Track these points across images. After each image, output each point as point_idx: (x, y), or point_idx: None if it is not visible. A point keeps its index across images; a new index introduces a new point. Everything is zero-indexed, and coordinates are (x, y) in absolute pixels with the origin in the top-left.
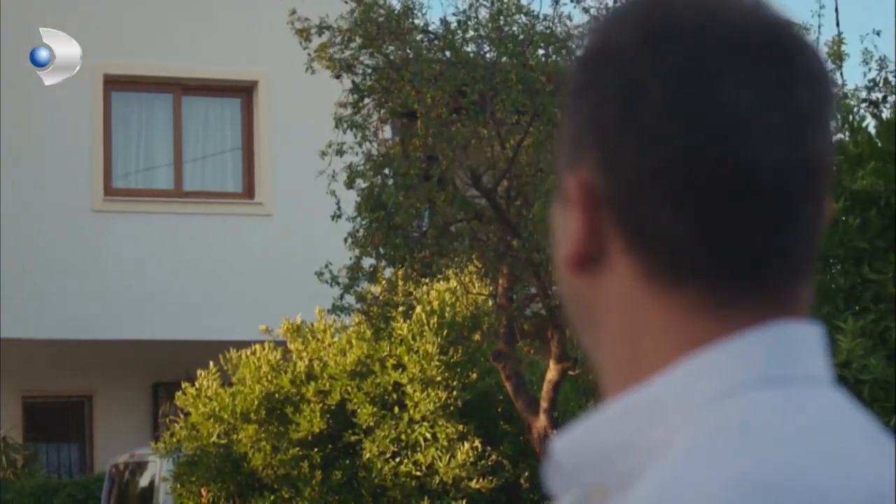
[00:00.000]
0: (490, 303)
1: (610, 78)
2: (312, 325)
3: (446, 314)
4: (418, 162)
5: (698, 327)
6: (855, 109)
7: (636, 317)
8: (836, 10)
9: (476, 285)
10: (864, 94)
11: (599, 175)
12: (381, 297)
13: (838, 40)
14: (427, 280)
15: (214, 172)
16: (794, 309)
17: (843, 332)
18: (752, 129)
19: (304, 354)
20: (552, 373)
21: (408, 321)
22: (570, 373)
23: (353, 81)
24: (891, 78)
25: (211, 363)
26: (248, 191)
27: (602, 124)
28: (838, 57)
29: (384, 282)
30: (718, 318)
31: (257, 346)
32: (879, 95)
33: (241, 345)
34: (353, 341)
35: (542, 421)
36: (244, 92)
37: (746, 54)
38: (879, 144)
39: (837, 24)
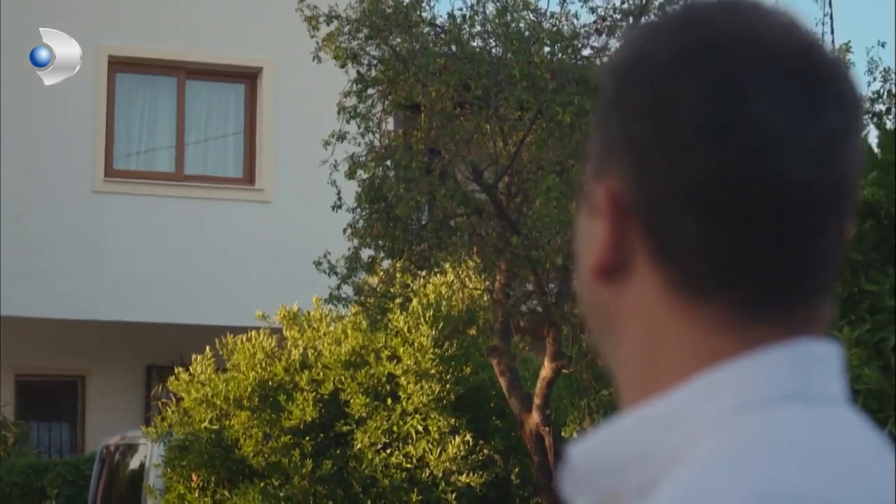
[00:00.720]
0: (487, 298)
1: (643, 90)
2: (309, 313)
3: (443, 308)
4: (420, 155)
5: (720, 342)
6: None
7: (658, 328)
8: (831, 17)
9: (473, 280)
10: (867, 106)
11: (628, 185)
12: (378, 289)
13: (845, 48)
14: (424, 273)
15: (216, 157)
16: (815, 326)
17: (839, 342)
18: (782, 147)
19: (300, 342)
20: (546, 370)
21: (404, 313)
22: (565, 371)
23: (358, 72)
24: (894, 89)
25: (207, 348)
26: (249, 177)
27: (634, 135)
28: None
29: (382, 273)
30: (741, 334)
31: (253, 333)
32: (883, 107)
33: (236, 330)
34: (349, 331)
35: (534, 418)
36: (249, 78)
37: (779, 73)
38: (880, 155)
39: (832, 33)
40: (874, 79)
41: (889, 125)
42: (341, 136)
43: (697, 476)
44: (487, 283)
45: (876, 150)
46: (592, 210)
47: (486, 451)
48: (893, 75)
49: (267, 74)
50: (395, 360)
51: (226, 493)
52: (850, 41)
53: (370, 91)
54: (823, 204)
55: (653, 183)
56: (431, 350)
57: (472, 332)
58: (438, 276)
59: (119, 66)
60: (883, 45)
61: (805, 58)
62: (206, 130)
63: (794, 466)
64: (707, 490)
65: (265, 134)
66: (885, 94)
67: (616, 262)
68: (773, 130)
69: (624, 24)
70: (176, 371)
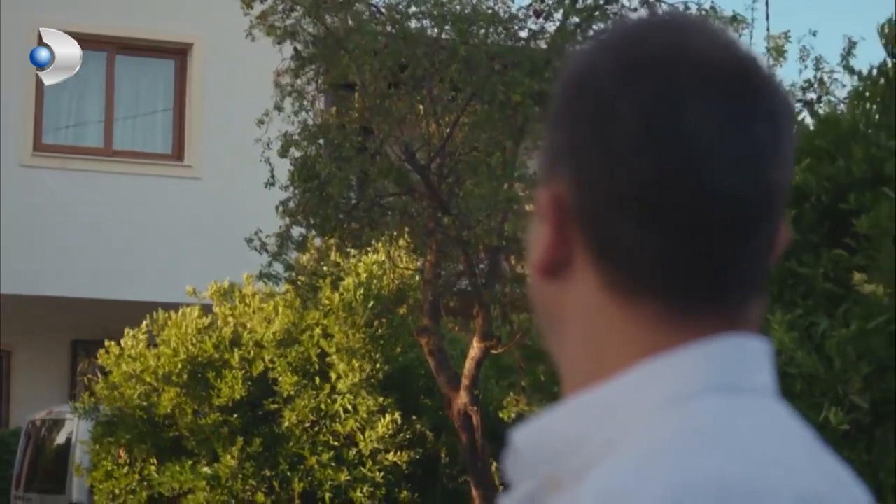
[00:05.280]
0: (417, 278)
1: (586, 101)
2: (240, 289)
3: (373, 287)
4: (354, 134)
5: (654, 338)
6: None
7: (598, 324)
8: (767, 3)
9: (404, 260)
10: (800, 94)
11: (570, 191)
12: (308, 267)
13: (783, 36)
14: (356, 252)
15: (145, 133)
16: (746, 324)
17: (772, 325)
18: (712, 157)
19: (230, 319)
20: (475, 350)
21: (335, 292)
22: (494, 351)
23: (295, 49)
24: (825, 78)
25: (143, 323)
26: (178, 153)
27: (577, 143)
28: (779, 53)
29: (313, 251)
30: (673, 331)
31: (185, 309)
32: (814, 96)
33: (166, 306)
34: (280, 309)
35: (462, 397)
36: (179, 54)
37: (714, 87)
38: (816, 142)
39: (767, 19)
40: (805, 66)
41: (821, 112)
42: (278, 107)
43: (626, 464)
44: (418, 262)
45: (812, 136)
46: (539, 213)
47: (413, 430)
48: (826, 65)
49: (197, 51)
50: (325, 339)
51: (154, 470)
52: (789, 31)
53: (306, 69)
54: (752, 211)
55: (592, 188)
56: (362, 329)
57: (402, 311)
58: (370, 255)
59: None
60: (814, 33)
61: (739, 74)
62: (135, 106)
63: (718, 454)
64: (634, 478)
65: (194, 110)
66: (818, 82)
67: (558, 262)
68: (704, 141)
69: (561, 8)
70: (106, 345)
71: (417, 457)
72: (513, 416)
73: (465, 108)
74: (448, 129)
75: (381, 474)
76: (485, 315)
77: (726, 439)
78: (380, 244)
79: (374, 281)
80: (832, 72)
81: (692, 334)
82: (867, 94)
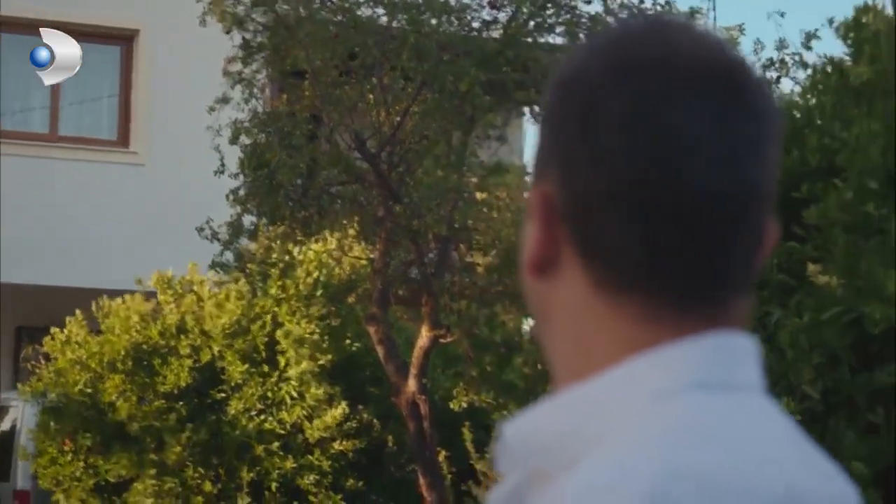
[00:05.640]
0: (367, 266)
1: (574, 102)
2: (184, 278)
3: (323, 275)
4: (304, 122)
5: (642, 333)
6: None
7: (585, 320)
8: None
9: (354, 248)
10: (761, 73)
11: (559, 189)
12: (258, 256)
13: (738, 28)
14: (306, 240)
15: (91, 119)
16: (732, 321)
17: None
18: (696, 155)
19: (174, 307)
20: (424, 339)
21: (285, 280)
22: (442, 340)
23: (243, 38)
24: (787, 59)
25: (93, 308)
26: (123, 139)
27: (564, 142)
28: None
29: (264, 240)
30: (662, 327)
31: (129, 296)
32: (774, 75)
33: (111, 293)
34: (230, 298)
35: (411, 386)
36: (125, 40)
37: (700, 88)
38: None
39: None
40: (762, 47)
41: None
42: (226, 99)
43: (611, 458)
44: (368, 251)
45: None
46: (530, 212)
47: (360, 418)
48: (791, 46)
49: (143, 38)
50: (274, 327)
51: (99, 458)
52: (743, 24)
53: (255, 57)
54: (735, 209)
55: (578, 186)
56: (311, 318)
57: (352, 300)
58: (320, 243)
59: None
60: (783, 14)
61: (726, 74)
62: (81, 92)
63: (703, 449)
64: (619, 471)
65: (140, 97)
66: (779, 62)
67: (547, 260)
68: (687, 140)
69: None
70: (52, 331)
71: (364, 445)
72: (463, 405)
73: (416, 97)
74: (398, 118)
75: (328, 462)
76: (434, 304)
77: (712, 434)
78: (330, 233)
79: (324, 270)
80: (795, 53)
81: (679, 331)
82: (820, 85)
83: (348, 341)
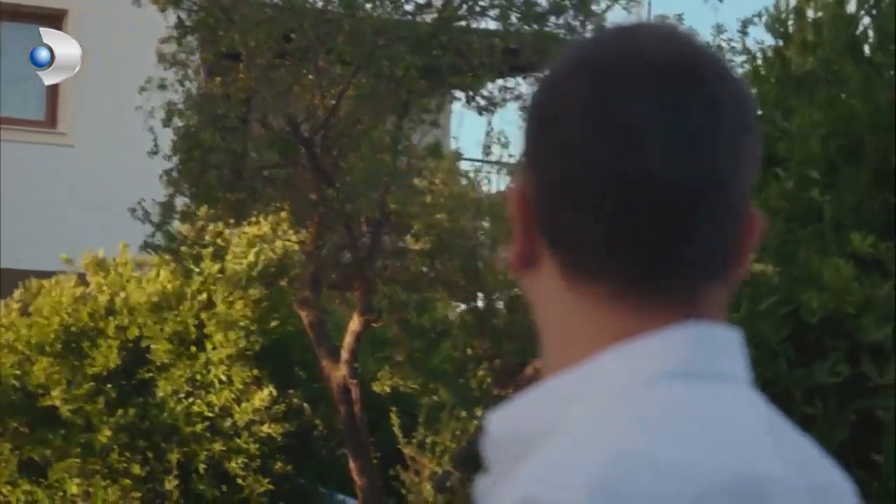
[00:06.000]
0: (299, 250)
1: (541, 101)
2: (114, 259)
3: (254, 258)
4: (238, 104)
5: (615, 322)
6: None
7: (563, 314)
8: None
9: (286, 232)
10: None
11: (529, 186)
12: (189, 238)
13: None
14: (238, 223)
15: (18, 99)
16: (708, 310)
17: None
18: (648, 143)
19: (105, 288)
20: (355, 323)
21: (216, 262)
22: (374, 325)
23: (178, 17)
24: (724, 45)
25: (17, 291)
26: (52, 120)
27: (531, 141)
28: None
29: (196, 222)
30: (632, 316)
31: (59, 278)
32: None
33: (40, 275)
34: (159, 278)
35: (342, 371)
36: (53, 20)
37: (655, 79)
38: None
39: None
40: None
41: None
42: (162, 86)
43: (566, 444)
44: (300, 235)
45: None
46: (510, 209)
47: (289, 402)
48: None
49: (72, 18)
50: (203, 309)
51: (26, 439)
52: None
53: (189, 38)
54: (689, 196)
55: (544, 182)
56: (241, 300)
57: (283, 283)
58: (252, 226)
59: None
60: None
61: (683, 65)
62: (7, 72)
63: (656, 435)
64: (571, 455)
65: (69, 77)
66: (715, 49)
67: (528, 256)
68: (637, 130)
69: None
70: None
71: (292, 429)
72: (387, 389)
73: (351, 82)
74: (333, 102)
75: (256, 446)
76: (366, 289)
77: (670, 423)
78: (262, 215)
79: (256, 252)
80: (731, 40)
81: (653, 321)
82: (762, 73)
83: (277, 324)
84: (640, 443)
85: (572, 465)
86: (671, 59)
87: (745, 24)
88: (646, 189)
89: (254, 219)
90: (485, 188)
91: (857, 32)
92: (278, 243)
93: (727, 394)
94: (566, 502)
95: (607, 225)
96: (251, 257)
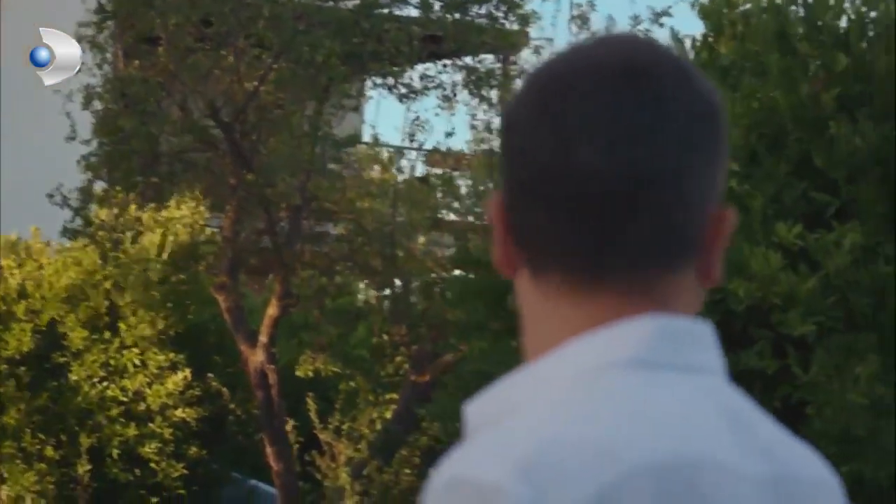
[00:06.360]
0: (217, 234)
1: (505, 111)
2: (28, 243)
3: (172, 242)
4: (156, 88)
5: (572, 315)
6: None
7: (536, 311)
8: None
9: (205, 216)
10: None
11: (502, 192)
12: (108, 222)
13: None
14: (157, 206)
15: None
16: (669, 301)
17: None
18: (585, 141)
19: (17, 272)
20: (273, 308)
21: (134, 246)
22: (293, 310)
23: (98, 2)
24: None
25: None
26: None
27: (500, 149)
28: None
29: (115, 206)
30: (587, 307)
31: None
32: None
33: None
34: (73, 263)
35: (259, 355)
36: None
37: (598, 81)
38: None
39: None
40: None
41: None
42: (78, 70)
43: (506, 427)
44: (219, 219)
45: None
46: (489, 217)
47: (205, 386)
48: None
49: None
50: (118, 293)
51: None
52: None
53: (109, 22)
54: (627, 186)
55: (508, 185)
56: (157, 284)
57: (201, 267)
58: (171, 210)
59: None
60: None
61: (629, 68)
62: None
63: (593, 419)
64: (505, 437)
65: None
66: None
67: (507, 258)
68: (577, 130)
69: None
70: None
71: (207, 413)
72: (309, 373)
73: (272, 67)
74: (254, 86)
75: (170, 430)
76: (284, 274)
77: (607, 408)
78: (181, 199)
79: (174, 236)
80: (648, 30)
81: (605, 310)
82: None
83: (193, 307)
84: (568, 427)
85: (501, 448)
86: (612, 61)
87: (659, 15)
88: (585, 183)
89: (171, 203)
90: (403, 175)
91: (787, 23)
92: (196, 227)
93: (682, 382)
94: (489, 482)
95: (556, 221)
96: (157, 239)
